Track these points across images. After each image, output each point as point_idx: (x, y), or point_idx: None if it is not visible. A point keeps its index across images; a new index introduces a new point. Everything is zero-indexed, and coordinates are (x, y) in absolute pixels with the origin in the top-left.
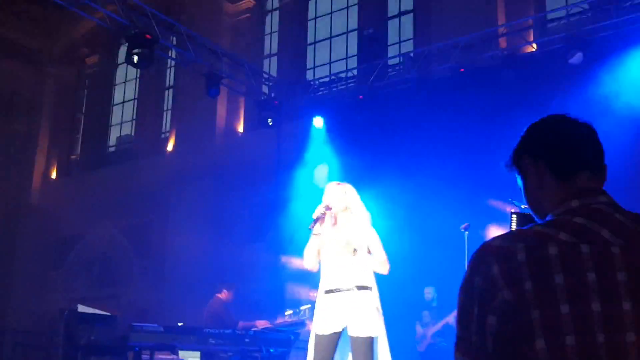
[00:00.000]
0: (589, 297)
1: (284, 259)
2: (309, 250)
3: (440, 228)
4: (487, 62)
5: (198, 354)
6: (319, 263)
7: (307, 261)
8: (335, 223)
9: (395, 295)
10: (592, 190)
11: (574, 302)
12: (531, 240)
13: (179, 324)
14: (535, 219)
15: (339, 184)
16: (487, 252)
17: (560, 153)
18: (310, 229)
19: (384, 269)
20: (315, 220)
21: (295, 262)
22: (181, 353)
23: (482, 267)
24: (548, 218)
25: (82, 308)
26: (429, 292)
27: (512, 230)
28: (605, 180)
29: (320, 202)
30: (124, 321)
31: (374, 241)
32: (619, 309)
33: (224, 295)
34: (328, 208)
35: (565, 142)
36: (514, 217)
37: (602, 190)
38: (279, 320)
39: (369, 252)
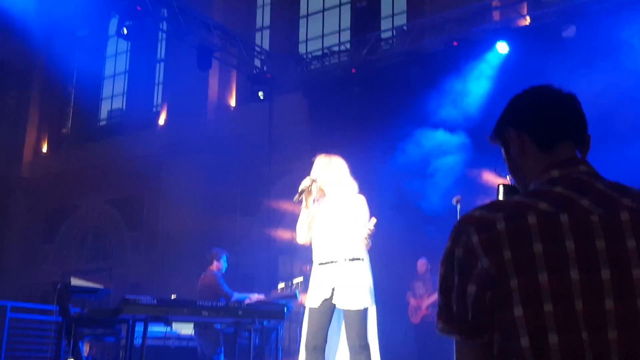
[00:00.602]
0: (567, 266)
1: (277, 232)
2: (301, 224)
3: (432, 201)
4: (481, 36)
5: (191, 325)
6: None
7: (299, 236)
8: (322, 196)
9: (388, 267)
10: (573, 160)
11: (552, 270)
12: (511, 210)
13: (172, 297)
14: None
15: (327, 156)
16: (467, 222)
17: (542, 123)
18: (295, 201)
19: (364, 243)
20: (301, 193)
21: (287, 236)
22: (174, 325)
23: (463, 237)
24: (530, 188)
25: (75, 281)
26: (423, 264)
27: (492, 201)
28: (589, 150)
29: (308, 174)
30: (116, 294)
31: (360, 213)
32: (597, 276)
33: (214, 266)
34: (314, 181)
35: (547, 112)
36: (501, 188)
37: (583, 160)
38: (273, 294)
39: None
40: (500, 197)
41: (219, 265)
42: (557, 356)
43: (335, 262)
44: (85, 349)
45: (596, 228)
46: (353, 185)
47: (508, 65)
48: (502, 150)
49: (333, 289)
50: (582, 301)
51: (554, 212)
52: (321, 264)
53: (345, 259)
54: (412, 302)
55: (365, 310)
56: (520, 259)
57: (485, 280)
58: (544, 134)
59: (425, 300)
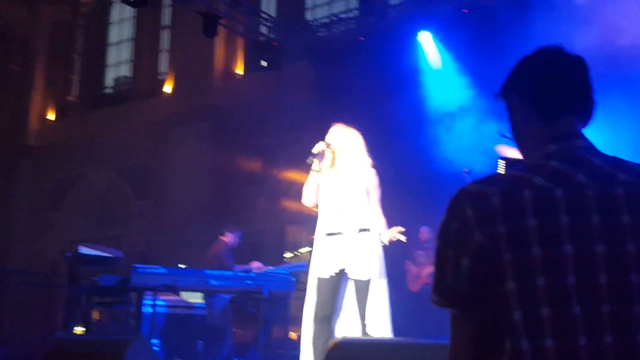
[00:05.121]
0: (561, 240)
1: (284, 202)
2: (308, 186)
3: (442, 170)
4: (490, 2)
5: (200, 295)
6: (317, 203)
7: (305, 198)
8: (333, 162)
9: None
10: (572, 134)
11: (545, 245)
12: (506, 184)
13: (181, 266)
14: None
15: (345, 125)
16: (463, 196)
17: (546, 95)
18: (308, 163)
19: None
20: (314, 156)
21: (294, 206)
22: (183, 294)
23: (458, 211)
24: (527, 162)
25: (84, 249)
26: (425, 232)
27: (489, 175)
28: (590, 121)
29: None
30: (125, 263)
31: (372, 187)
32: (591, 251)
33: (227, 237)
34: (328, 145)
35: (552, 83)
36: (501, 162)
37: (581, 133)
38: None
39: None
40: (500, 171)
41: (232, 238)
42: (549, 330)
43: (345, 232)
44: (95, 318)
45: (591, 203)
46: (366, 159)
47: (517, 32)
48: (507, 112)
49: (343, 259)
50: (575, 276)
51: (549, 187)
52: (330, 234)
53: (354, 230)
54: (412, 269)
55: (371, 280)
56: (514, 234)
57: (479, 254)
58: (546, 106)
59: (426, 268)
